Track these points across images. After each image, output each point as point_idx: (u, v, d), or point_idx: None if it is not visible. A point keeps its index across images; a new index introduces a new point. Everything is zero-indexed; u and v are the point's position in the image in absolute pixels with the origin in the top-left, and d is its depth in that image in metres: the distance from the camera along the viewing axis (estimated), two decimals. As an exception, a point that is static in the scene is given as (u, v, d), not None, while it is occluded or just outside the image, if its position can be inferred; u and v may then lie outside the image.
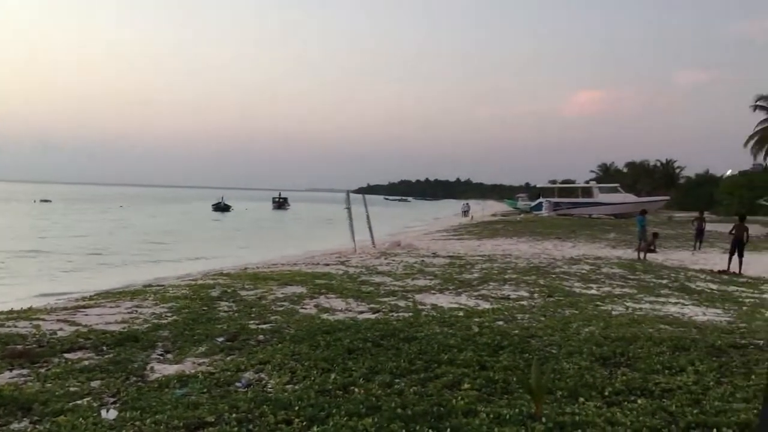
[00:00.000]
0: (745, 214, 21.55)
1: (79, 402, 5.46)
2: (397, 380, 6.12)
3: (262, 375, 6.39)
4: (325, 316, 9.90)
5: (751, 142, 67.49)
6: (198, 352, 7.42)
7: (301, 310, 10.41)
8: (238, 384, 6.05)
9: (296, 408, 5.15)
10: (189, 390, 5.79)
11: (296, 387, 5.92)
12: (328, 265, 18.91)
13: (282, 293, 12.24)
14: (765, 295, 13.35)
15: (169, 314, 9.82)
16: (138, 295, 12.04)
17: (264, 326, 8.92)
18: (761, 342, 7.96)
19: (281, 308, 10.55)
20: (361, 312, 10.44)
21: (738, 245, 19.08)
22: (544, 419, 4.91)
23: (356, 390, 5.75)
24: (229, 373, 6.43)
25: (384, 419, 4.89)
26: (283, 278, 14.58)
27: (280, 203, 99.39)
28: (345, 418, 4.91)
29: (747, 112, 69.94)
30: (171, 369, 6.68)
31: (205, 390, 5.81)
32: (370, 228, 27.05)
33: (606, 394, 5.72)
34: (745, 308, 11.45)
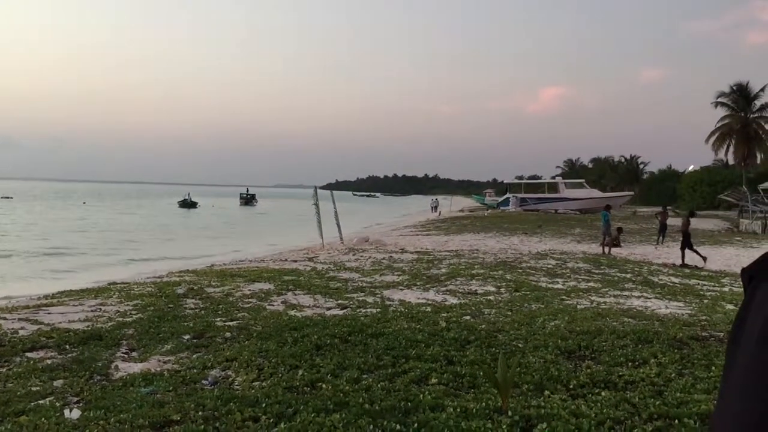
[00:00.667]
0: (694, 211, 22.61)
1: (41, 402, 5.37)
2: (364, 376, 6.13)
3: (229, 372, 6.35)
4: (292, 312, 9.86)
5: (712, 139, 68.68)
6: (164, 350, 7.33)
7: (269, 307, 10.36)
8: (204, 382, 6.01)
9: (263, 405, 5.13)
10: (154, 388, 5.73)
11: (263, 384, 5.90)
12: (295, 261, 18.84)
13: (249, 290, 12.16)
14: (725, 288, 13.64)
15: (134, 312, 9.69)
16: (102, 293, 11.86)
17: (231, 323, 8.85)
18: (721, 334, 8.14)
19: (248, 305, 10.48)
20: (329, 308, 10.43)
21: (685, 239, 19.70)
22: (510, 413, 4.96)
23: (324, 386, 5.74)
24: (195, 371, 6.37)
25: (351, 415, 4.89)
26: (250, 275, 14.49)
27: (248, 199, 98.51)
28: (312, 415, 4.90)
29: (708, 108, 71.26)
30: (136, 367, 6.60)
31: (170, 388, 5.75)
32: (338, 224, 26.99)
33: (571, 387, 5.81)
34: (706, 301, 11.68)
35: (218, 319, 9.22)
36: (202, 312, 9.77)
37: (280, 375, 6.13)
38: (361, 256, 19.79)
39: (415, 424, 4.71)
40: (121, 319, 9.15)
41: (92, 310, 9.89)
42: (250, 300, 11.01)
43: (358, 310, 10.09)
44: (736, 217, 43.71)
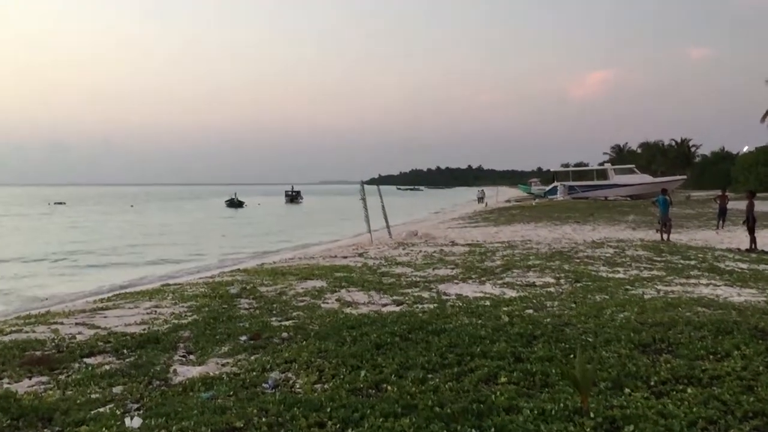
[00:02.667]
0: (754, 191, 21.95)
1: (101, 410, 5.23)
2: (430, 375, 5.84)
3: (289, 374, 6.13)
4: (348, 310, 9.63)
5: (768, 118, 66.34)
6: (221, 352, 7.18)
7: (323, 305, 10.15)
8: (265, 385, 5.80)
9: (328, 409, 4.88)
10: (214, 393, 5.55)
11: (326, 386, 5.66)
12: (345, 257, 18.64)
13: (302, 288, 11.99)
14: (798, 273, 12.94)
15: (188, 314, 9.60)
16: (156, 294, 11.84)
17: (286, 323, 8.67)
18: (806, 322, 7.60)
19: (303, 303, 10.30)
20: (385, 304, 10.16)
21: (748, 221, 19.09)
22: (592, 414, 4.62)
23: (389, 388, 5.46)
24: (254, 373, 6.17)
25: (422, 419, 4.61)
26: (301, 273, 14.34)
27: (293, 197, 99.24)
28: (381, 420, 4.63)
29: (762, 87, 68.77)
30: (195, 371, 6.44)
31: (231, 392, 5.56)
32: (386, 218, 26.72)
33: (652, 383, 5.43)
34: (779, 287, 11.07)
35: (273, 318, 9.05)
36: (257, 312, 9.62)
37: (342, 376, 5.88)
38: (411, 250, 19.50)
39: (492, 429, 4.40)
40: (176, 321, 9.06)
41: (147, 313, 9.84)
42: (303, 298, 10.83)
43: (414, 306, 9.80)
44: (797, 199, 42.06)
